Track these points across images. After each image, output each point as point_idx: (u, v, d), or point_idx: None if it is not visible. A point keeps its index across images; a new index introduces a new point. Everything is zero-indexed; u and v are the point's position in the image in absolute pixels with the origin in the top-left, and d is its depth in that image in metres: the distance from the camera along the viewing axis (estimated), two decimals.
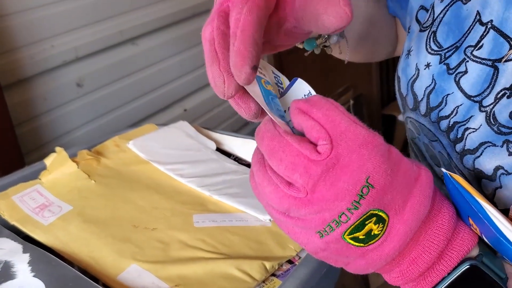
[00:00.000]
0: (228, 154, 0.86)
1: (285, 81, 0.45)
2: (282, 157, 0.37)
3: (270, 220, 0.69)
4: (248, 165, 0.83)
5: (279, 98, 0.43)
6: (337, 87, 2.27)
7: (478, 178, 0.48)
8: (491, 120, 0.46)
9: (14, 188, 0.75)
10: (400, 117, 2.29)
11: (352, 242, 0.38)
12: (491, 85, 0.47)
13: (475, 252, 0.41)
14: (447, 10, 0.53)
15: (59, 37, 1.34)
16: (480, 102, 0.48)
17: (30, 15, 1.25)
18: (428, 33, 0.55)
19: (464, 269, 0.39)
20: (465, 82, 0.50)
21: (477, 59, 0.49)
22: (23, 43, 1.25)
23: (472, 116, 0.48)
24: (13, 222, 0.69)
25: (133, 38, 1.55)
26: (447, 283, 0.40)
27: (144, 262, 0.61)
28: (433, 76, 0.53)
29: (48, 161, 0.78)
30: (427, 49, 0.54)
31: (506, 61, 0.46)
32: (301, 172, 0.36)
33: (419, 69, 0.55)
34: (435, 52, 0.53)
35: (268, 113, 0.39)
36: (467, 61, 0.50)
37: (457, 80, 0.50)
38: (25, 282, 0.58)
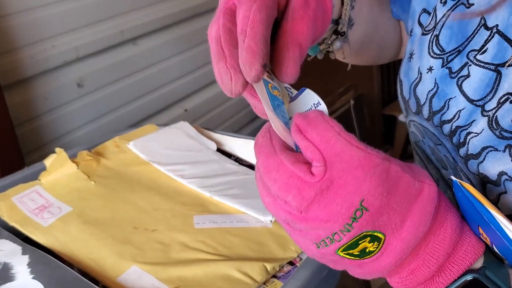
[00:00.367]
0: (228, 155, 0.85)
1: (294, 90, 0.44)
2: (276, 177, 0.36)
3: (271, 221, 0.68)
4: (249, 166, 0.82)
5: (289, 103, 0.43)
6: (337, 87, 2.27)
7: (483, 183, 0.48)
8: (494, 124, 0.46)
9: (13, 189, 0.75)
10: (401, 117, 2.28)
11: (347, 256, 0.38)
12: (494, 90, 0.47)
13: (479, 263, 0.40)
14: (449, 14, 0.53)
15: (60, 37, 1.34)
16: (482, 107, 0.47)
17: (31, 15, 1.25)
18: (431, 37, 0.54)
19: (465, 281, 0.39)
20: (467, 86, 0.49)
21: (480, 63, 0.48)
22: (24, 43, 1.25)
23: (474, 120, 0.48)
24: (12, 223, 0.69)
25: (134, 38, 1.55)
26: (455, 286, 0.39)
27: (144, 263, 0.61)
28: (435, 80, 0.52)
29: (47, 162, 0.78)
30: (429, 53, 0.54)
31: (509, 65, 0.46)
32: (294, 194, 0.36)
33: (421, 72, 0.55)
34: (438, 56, 0.53)
35: (270, 118, 0.39)
36: (470, 65, 0.49)
37: (459, 84, 0.50)
38: (25, 284, 0.58)
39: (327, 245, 0.37)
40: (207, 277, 0.59)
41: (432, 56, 0.53)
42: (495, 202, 0.47)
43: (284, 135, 0.39)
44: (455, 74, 0.50)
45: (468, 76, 0.49)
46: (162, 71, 1.67)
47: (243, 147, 0.85)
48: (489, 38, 0.48)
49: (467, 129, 0.48)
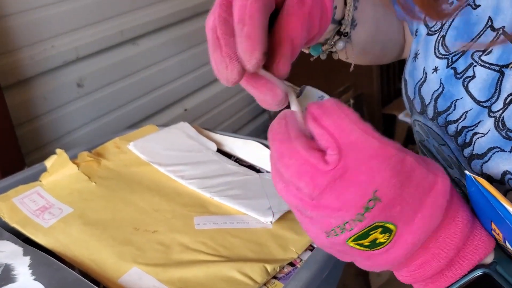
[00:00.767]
0: (228, 155, 0.85)
1: (296, 87, 0.45)
2: (289, 164, 0.36)
3: (271, 222, 0.69)
4: (249, 166, 0.82)
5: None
6: (337, 87, 2.27)
7: (488, 181, 0.48)
8: (500, 125, 0.46)
9: (14, 190, 0.75)
10: (401, 117, 2.29)
11: (357, 247, 0.38)
12: (497, 90, 0.47)
13: (489, 259, 0.40)
14: (456, 15, 0.53)
15: (60, 38, 1.34)
16: (489, 108, 0.47)
17: (31, 15, 1.25)
18: (437, 38, 0.54)
19: (475, 276, 0.39)
20: (473, 87, 0.49)
21: (485, 64, 0.48)
22: (24, 43, 1.25)
23: (480, 121, 0.48)
24: (13, 224, 0.69)
25: (133, 38, 1.55)
26: (457, 286, 0.40)
27: (145, 265, 0.61)
28: (440, 81, 0.52)
29: (48, 163, 0.78)
30: (435, 53, 0.54)
31: None
32: (307, 181, 0.36)
33: (426, 73, 0.55)
34: (443, 56, 0.53)
35: (290, 100, 0.39)
36: (475, 65, 0.49)
37: (465, 85, 0.50)
38: (26, 285, 0.58)
39: (337, 234, 0.37)
40: (207, 278, 0.59)
41: (437, 57, 0.53)
42: None
43: (301, 121, 0.39)
44: (461, 74, 0.50)
45: (473, 77, 0.49)
46: (161, 71, 1.67)
47: (243, 147, 0.85)
48: (495, 39, 0.48)
49: (473, 129, 0.49)
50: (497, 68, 0.48)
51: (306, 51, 0.57)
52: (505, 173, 0.45)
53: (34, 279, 0.59)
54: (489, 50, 0.48)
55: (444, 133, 0.53)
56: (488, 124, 0.47)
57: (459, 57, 0.51)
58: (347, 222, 0.36)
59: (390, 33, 0.67)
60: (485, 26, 0.50)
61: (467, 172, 0.41)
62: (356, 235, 0.37)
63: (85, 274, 0.61)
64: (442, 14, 0.53)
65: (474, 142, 0.48)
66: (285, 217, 0.69)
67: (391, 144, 0.37)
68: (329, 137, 0.36)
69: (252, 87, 0.41)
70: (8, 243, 0.66)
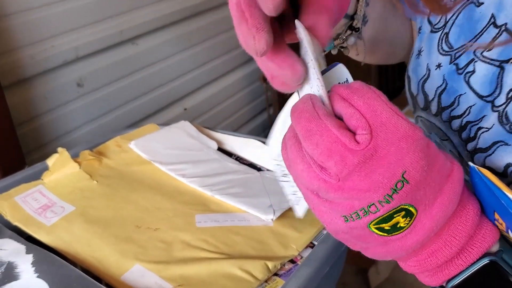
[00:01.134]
0: (229, 154, 0.86)
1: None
2: (319, 142, 0.36)
3: (272, 219, 0.69)
4: (249, 165, 0.83)
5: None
6: None
7: None
8: (504, 119, 0.47)
9: (16, 189, 0.75)
10: None
11: (376, 231, 0.38)
12: (499, 85, 0.48)
13: (495, 248, 0.41)
14: (459, 12, 0.54)
15: (60, 37, 1.34)
16: (492, 102, 0.48)
17: (31, 15, 1.26)
18: (441, 35, 0.55)
19: (482, 264, 0.40)
20: (474, 82, 0.50)
21: (486, 60, 0.49)
22: (24, 43, 1.25)
23: (484, 115, 0.49)
24: (15, 222, 0.70)
25: (133, 38, 1.55)
26: (464, 276, 0.40)
27: (147, 262, 0.61)
28: (443, 76, 0.53)
29: (50, 161, 0.78)
30: (438, 50, 0.55)
31: None
32: (336, 160, 0.35)
33: (430, 69, 0.55)
34: (446, 53, 0.54)
35: (314, 76, 0.39)
36: (476, 61, 0.50)
37: (467, 80, 0.51)
38: (29, 283, 0.58)
39: (359, 217, 0.37)
40: (209, 275, 0.60)
41: (441, 53, 0.54)
42: None
43: (327, 101, 0.38)
44: (462, 70, 0.51)
45: (473, 72, 0.50)
46: (161, 70, 1.67)
47: (244, 146, 0.86)
48: (497, 35, 0.49)
49: (477, 124, 0.49)
50: (497, 63, 0.48)
51: None
52: (508, 165, 0.46)
53: (37, 277, 0.59)
54: (492, 46, 0.49)
55: (447, 128, 0.53)
56: (492, 119, 0.48)
57: (462, 53, 0.52)
58: (372, 204, 0.36)
59: (399, 32, 0.68)
60: (488, 23, 0.50)
61: (470, 163, 0.41)
62: (380, 218, 0.37)
63: (88, 271, 0.61)
64: (444, 9, 0.54)
65: (479, 137, 0.49)
66: (286, 214, 0.70)
67: (418, 128, 0.37)
68: (361, 116, 0.36)
69: (273, 62, 0.40)
70: (11, 241, 0.66)
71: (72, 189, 0.75)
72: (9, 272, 0.61)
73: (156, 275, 0.60)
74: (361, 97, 0.37)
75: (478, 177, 0.41)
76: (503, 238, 0.42)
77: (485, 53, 0.50)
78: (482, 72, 0.49)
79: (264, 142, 0.84)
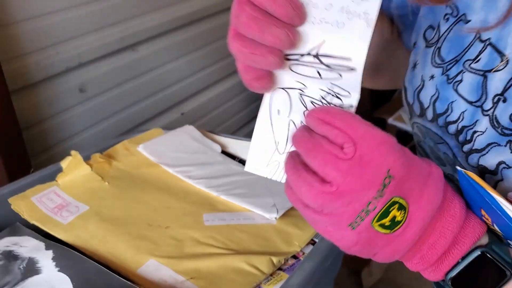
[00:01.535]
0: (232, 157, 0.90)
1: None
2: (316, 155, 0.43)
3: (275, 218, 0.74)
4: None
5: None
6: None
7: (481, 173, 0.54)
8: (495, 123, 0.53)
9: (32, 190, 0.79)
10: (390, 120, 2.35)
11: (380, 229, 0.44)
12: (484, 92, 0.54)
13: (484, 240, 0.47)
14: (451, 29, 0.59)
15: (64, 44, 1.38)
16: (481, 107, 0.54)
17: (37, 22, 1.30)
18: (434, 49, 0.61)
19: (476, 255, 0.46)
20: (462, 89, 0.56)
21: (472, 70, 0.55)
22: (30, 49, 1.29)
23: (477, 120, 0.55)
24: (33, 221, 0.73)
25: (133, 45, 1.59)
26: (461, 268, 0.46)
27: (161, 257, 0.66)
28: (436, 86, 0.59)
29: (64, 164, 0.82)
30: (432, 63, 0.60)
31: (495, 71, 0.53)
32: (332, 167, 0.42)
33: (424, 80, 0.61)
34: (438, 65, 0.59)
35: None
36: (464, 72, 0.56)
37: (455, 88, 0.57)
38: (51, 277, 0.62)
39: (363, 219, 0.43)
40: (218, 269, 0.64)
41: (434, 66, 0.60)
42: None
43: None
44: (451, 80, 0.57)
45: (461, 81, 0.56)
46: (159, 76, 1.72)
47: (246, 149, 0.90)
48: (483, 49, 0.55)
49: (472, 128, 0.55)
50: (481, 73, 0.54)
51: None
52: (499, 163, 0.52)
53: (59, 271, 0.63)
54: (478, 58, 0.55)
55: (444, 132, 0.59)
56: (484, 123, 0.54)
57: (453, 66, 0.57)
58: (370, 202, 0.42)
59: (399, 59, 0.74)
60: (474, 38, 0.56)
61: (458, 167, 0.47)
62: (379, 214, 0.43)
63: (105, 266, 0.65)
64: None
65: (475, 139, 0.55)
66: (289, 213, 0.75)
67: (391, 135, 0.44)
68: (344, 133, 0.43)
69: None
70: (30, 239, 0.70)
71: (85, 190, 0.80)
72: (31, 267, 0.65)
73: (170, 268, 0.64)
74: (340, 119, 0.44)
75: (465, 180, 0.47)
76: (490, 231, 0.47)
77: (472, 65, 0.55)
78: (468, 81, 0.55)
79: None
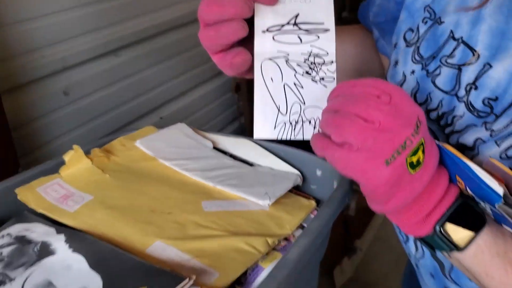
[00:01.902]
0: (223, 152, 0.97)
1: None
2: (358, 100, 0.51)
3: (268, 205, 0.80)
4: (242, 161, 0.94)
5: None
6: None
7: (460, 150, 0.63)
8: (470, 108, 0.62)
9: (36, 181, 0.83)
10: None
11: (408, 168, 0.51)
12: (458, 82, 0.63)
13: (459, 200, 0.56)
14: (428, 30, 0.68)
15: (49, 48, 1.42)
16: (456, 95, 0.63)
17: (24, 26, 1.33)
18: (414, 48, 0.69)
19: (459, 203, 0.55)
20: (439, 82, 0.65)
21: (448, 65, 0.64)
22: (17, 52, 1.33)
23: (455, 106, 0.63)
24: (40, 210, 0.77)
25: (115, 50, 1.64)
26: (449, 213, 0.55)
27: (166, 239, 0.71)
28: (417, 80, 0.68)
29: (66, 157, 0.87)
30: (412, 60, 0.69)
31: (468, 64, 0.62)
32: (374, 108, 0.50)
33: (406, 75, 0.69)
34: (418, 62, 0.68)
35: None
36: (441, 66, 0.65)
37: (433, 81, 0.65)
38: (66, 257, 0.67)
39: (399, 153, 0.50)
40: (220, 248, 0.70)
41: (414, 62, 0.68)
42: None
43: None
44: (431, 74, 0.66)
45: (439, 74, 0.65)
46: (139, 81, 1.77)
47: (235, 144, 0.97)
48: (456, 46, 0.64)
49: (452, 113, 0.64)
50: (456, 66, 0.63)
51: None
52: (476, 139, 0.61)
53: (73, 251, 0.68)
54: (453, 54, 0.64)
55: (426, 119, 0.68)
56: (461, 108, 0.63)
57: (431, 61, 0.66)
58: (407, 138, 0.50)
59: (374, 64, 0.83)
60: (448, 36, 0.65)
61: (435, 141, 0.56)
62: (413, 150, 0.50)
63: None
64: None
65: (455, 123, 0.64)
66: (279, 201, 0.82)
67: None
68: (377, 88, 0.52)
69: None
70: (40, 225, 0.74)
71: (88, 182, 0.84)
72: (45, 249, 0.69)
73: (176, 248, 0.70)
74: (373, 80, 0.54)
75: (443, 151, 0.55)
76: (463, 194, 0.57)
77: (448, 60, 0.65)
78: (445, 74, 0.65)
79: (252, 141, 0.96)
